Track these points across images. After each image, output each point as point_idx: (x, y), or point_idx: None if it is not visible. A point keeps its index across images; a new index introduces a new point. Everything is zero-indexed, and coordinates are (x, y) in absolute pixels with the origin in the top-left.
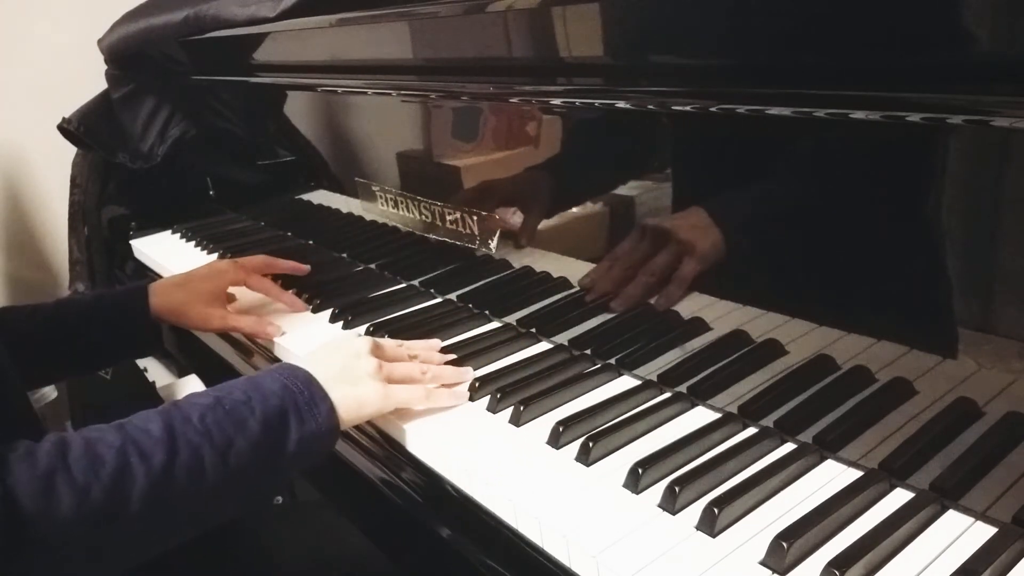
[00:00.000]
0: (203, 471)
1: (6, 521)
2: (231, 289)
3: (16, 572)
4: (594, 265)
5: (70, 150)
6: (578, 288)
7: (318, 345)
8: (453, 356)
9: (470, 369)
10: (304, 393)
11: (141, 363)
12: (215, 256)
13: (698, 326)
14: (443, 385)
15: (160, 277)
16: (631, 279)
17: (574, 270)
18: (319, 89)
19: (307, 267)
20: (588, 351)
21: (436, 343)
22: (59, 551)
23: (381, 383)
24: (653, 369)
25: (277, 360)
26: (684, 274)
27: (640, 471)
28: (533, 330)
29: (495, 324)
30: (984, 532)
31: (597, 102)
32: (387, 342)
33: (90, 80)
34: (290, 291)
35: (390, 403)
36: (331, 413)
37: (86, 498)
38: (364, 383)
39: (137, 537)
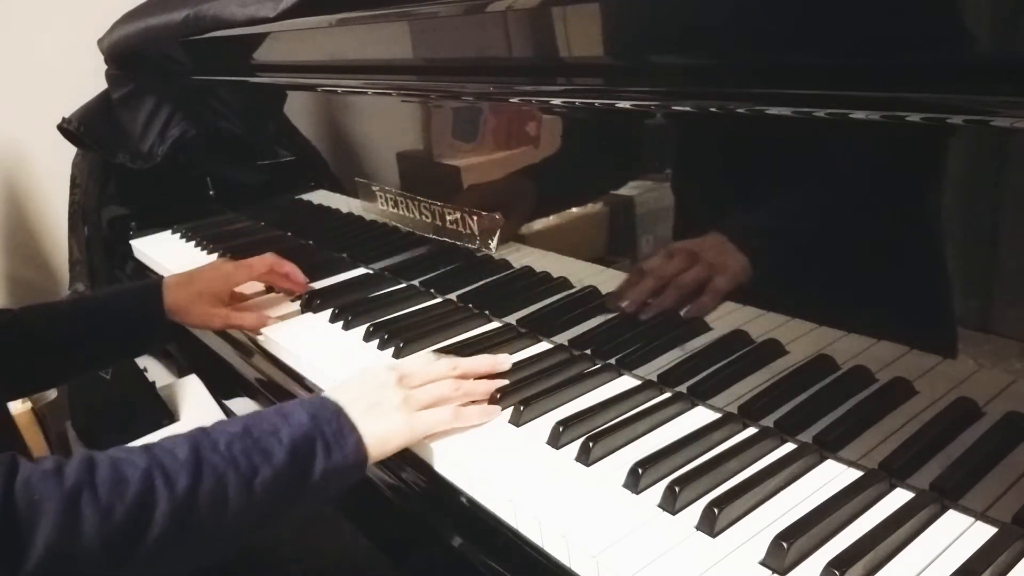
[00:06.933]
0: (226, 498)
1: (28, 535)
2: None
3: None
4: (593, 265)
5: (70, 150)
6: (578, 288)
7: (345, 377)
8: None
9: (503, 380)
10: (332, 424)
11: (141, 363)
12: (215, 256)
13: (698, 326)
14: (474, 402)
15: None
16: (658, 294)
17: (574, 270)
18: (319, 89)
19: (307, 282)
20: (588, 351)
21: (486, 359)
22: (77, 570)
23: (406, 415)
24: (653, 369)
25: (278, 361)
26: (715, 287)
27: (640, 471)
28: (533, 330)
29: (495, 324)
30: (984, 532)
31: (597, 102)
32: (416, 361)
33: (90, 80)
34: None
35: (416, 434)
36: (359, 446)
37: (108, 518)
38: (390, 416)
39: (155, 560)
